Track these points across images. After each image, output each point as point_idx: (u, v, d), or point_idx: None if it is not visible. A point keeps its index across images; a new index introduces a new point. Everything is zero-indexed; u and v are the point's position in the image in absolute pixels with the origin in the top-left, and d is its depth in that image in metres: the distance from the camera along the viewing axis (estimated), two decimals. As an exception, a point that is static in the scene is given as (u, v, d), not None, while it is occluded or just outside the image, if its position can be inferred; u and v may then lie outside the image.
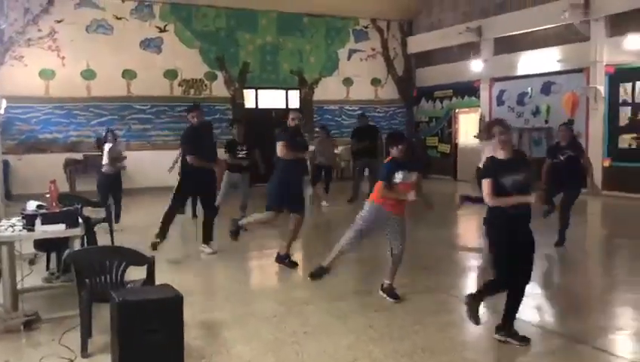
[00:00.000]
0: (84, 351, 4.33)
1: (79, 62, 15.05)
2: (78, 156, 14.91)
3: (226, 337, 4.77)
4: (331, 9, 17.72)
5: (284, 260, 7.02)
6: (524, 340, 4.45)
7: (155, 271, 4.53)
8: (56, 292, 6.08)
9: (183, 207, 8.51)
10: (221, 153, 9.55)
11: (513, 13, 15.28)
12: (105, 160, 9.92)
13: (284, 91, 17.83)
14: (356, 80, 18.61)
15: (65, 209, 5.43)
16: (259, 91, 17.48)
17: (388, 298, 5.61)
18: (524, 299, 4.59)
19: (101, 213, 8.17)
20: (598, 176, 13.63)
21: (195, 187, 7.91)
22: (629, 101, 12.96)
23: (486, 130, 8.53)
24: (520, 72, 15.50)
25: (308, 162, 9.03)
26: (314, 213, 11.56)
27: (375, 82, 19.02)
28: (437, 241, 8.66)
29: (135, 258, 4.36)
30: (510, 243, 4.39)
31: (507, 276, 4.44)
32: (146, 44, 15.83)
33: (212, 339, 4.75)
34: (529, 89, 15.27)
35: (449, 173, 17.32)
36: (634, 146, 12.90)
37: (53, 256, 6.72)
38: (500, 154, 4.47)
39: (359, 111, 18.72)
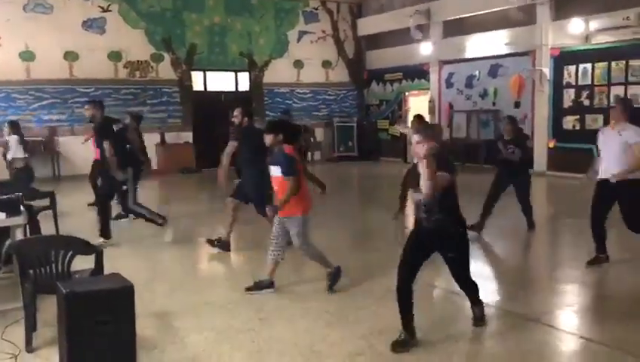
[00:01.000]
0: (29, 346, 4.14)
1: (17, 43, 14.34)
2: (18, 141, 14.26)
3: (178, 327, 4.65)
4: (280, -11, 17.54)
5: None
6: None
7: (103, 260, 4.36)
8: (-3, 285, 5.81)
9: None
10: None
11: (462, -5, 15.44)
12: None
13: (233, 73, 17.54)
14: (307, 62, 18.46)
15: (5, 197, 5.15)
16: (207, 73, 17.14)
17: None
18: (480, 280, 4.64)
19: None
20: (543, 156, 14.05)
21: None
22: (573, 83, 13.31)
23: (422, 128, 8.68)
24: (468, 54, 15.69)
25: None
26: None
27: (326, 65, 18.93)
28: (389, 223, 8.69)
29: (82, 247, 4.17)
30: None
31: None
32: (89, 24, 15.23)
33: (164, 329, 4.62)
34: (477, 72, 15.49)
35: (400, 156, 17.45)
36: (577, 128, 13.27)
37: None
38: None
39: (310, 94, 18.71)
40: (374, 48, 19.06)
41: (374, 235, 8.33)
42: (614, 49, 12.38)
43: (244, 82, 17.76)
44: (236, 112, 7.14)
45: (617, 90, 12.34)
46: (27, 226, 5.98)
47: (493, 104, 15.10)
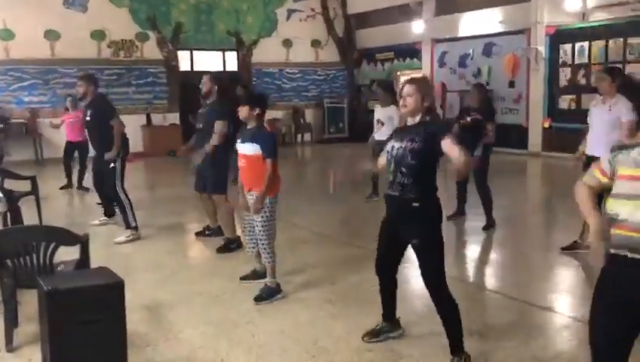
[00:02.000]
0: (10, 344, 3.82)
1: (-5, 22, 13.81)
2: (-4, 123, 13.80)
3: (171, 320, 4.35)
4: (268, -35, 17.04)
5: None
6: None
7: (89, 251, 4.03)
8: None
9: None
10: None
11: (455, -28, 15.08)
12: None
13: (220, 53, 17.09)
14: (296, 41, 18.04)
15: (-19, 183, 4.80)
16: (194, 53, 16.68)
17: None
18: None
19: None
20: (538, 137, 13.83)
21: None
22: (569, 62, 13.06)
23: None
24: (462, 33, 15.36)
25: None
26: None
27: (315, 44, 18.52)
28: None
29: (65, 237, 3.84)
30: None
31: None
32: (70, 2, 14.70)
33: (156, 324, 4.32)
34: (470, 50, 15.18)
35: (391, 137, 17.09)
36: (573, 107, 13.05)
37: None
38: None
39: (299, 74, 18.30)
40: (365, 27, 18.65)
41: (372, 220, 8.05)
42: (612, 26, 12.11)
43: (232, 62, 17.33)
44: (205, 79, 6.39)
45: (615, 69, 12.10)
46: (7, 214, 5.66)
47: (487, 83, 14.67)
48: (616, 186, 2.41)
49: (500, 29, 14.35)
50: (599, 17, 12.35)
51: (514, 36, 14.04)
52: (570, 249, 5.85)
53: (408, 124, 3.55)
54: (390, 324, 3.88)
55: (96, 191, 7.56)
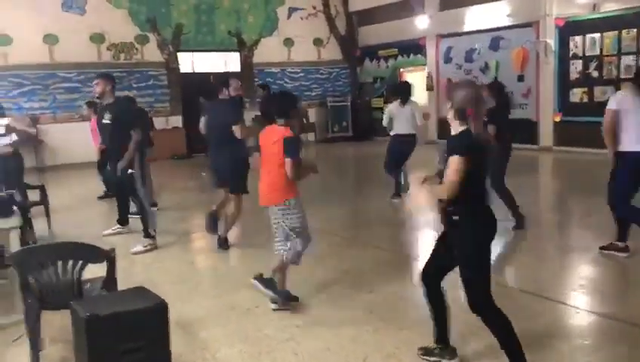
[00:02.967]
0: (36, 371, 3.54)
1: (-8, 27, 13.46)
2: (-1, 131, 13.45)
3: (204, 338, 4.07)
4: (268, -36, 16.75)
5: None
6: None
7: (116, 268, 3.75)
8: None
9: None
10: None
11: (459, -35, 14.83)
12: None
13: (222, 54, 16.78)
14: (297, 40, 17.75)
15: (-5, 196, 4.51)
16: (195, 54, 16.36)
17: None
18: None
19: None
20: (549, 131, 13.59)
21: None
22: (580, 54, 12.80)
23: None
24: (467, 27, 15.10)
25: None
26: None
27: (317, 42, 18.24)
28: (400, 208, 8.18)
29: (93, 254, 3.55)
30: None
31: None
32: (68, 5, 14.36)
33: (190, 343, 4.02)
34: (477, 45, 14.92)
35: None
36: (585, 100, 12.80)
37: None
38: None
39: (301, 73, 18.02)
40: (367, 24, 18.36)
41: (393, 221, 7.78)
42: (624, 17, 11.86)
43: (233, 63, 17.01)
44: (237, 83, 6.36)
45: (628, 61, 11.87)
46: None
47: (495, 78, 14.51)
48: None
49: (507, 22, 14.09)
50: (611, 8, 12.10)
51: (522, 29, 13.78)
52: (609, 249, 5.60)
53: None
54: (444, 348, 3.53)
55: (116, 197, 7.30)
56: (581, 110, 12.75)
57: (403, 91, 8.52)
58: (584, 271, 5.38)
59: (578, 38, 12.77)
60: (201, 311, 4.54)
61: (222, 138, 5.96)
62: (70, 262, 3.45)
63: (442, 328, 3.53)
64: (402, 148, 8.36)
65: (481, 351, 3.62)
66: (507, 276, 5.31)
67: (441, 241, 3.42)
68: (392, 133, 8.41)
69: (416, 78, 16.75)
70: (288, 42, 17.65)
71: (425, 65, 16.49)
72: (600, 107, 5.47)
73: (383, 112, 8.93)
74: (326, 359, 3.66)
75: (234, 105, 6.16)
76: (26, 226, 6.05)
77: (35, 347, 3.60)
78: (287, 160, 4.21)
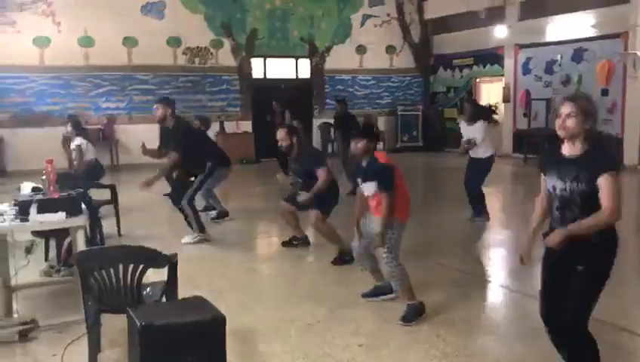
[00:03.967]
0: (93, 372, 3.49)
1: (76, 29, 13.99)
2: (77, 130, 13.95)
3: (263, 352, 3.92)
4: (344, -29, 16.66)
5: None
6: None
7: (177, 273, 3.66)
8: (56, 289, 5.26)
9: None
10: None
11: (542, -26, 14.25)
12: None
13: (293, 60, 16.81)
14: (370, 48, 17.56)
15: (65, 194, 4.53)
16: (267, 60, 16.45)
17: None
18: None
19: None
20: (634, 149, 12.79)
21: None
22: (672, 68, 12.01)
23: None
24: (549, 38, 14.48)
25: None
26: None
27: (390, 50, 17.98)
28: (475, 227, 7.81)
29: (155, 259, 3.47)
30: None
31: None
32: (148, 8, 14.75)
33: (248, 357, 3.88)
34: (558, 56, 14.27)
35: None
36: (676, 117, 11.98)
37: (53, 243, 5.91)
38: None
39: (373, 81, 17.80)
40: (442, 32, 17.96)
41: (465, 239, 7.43)
42: None
43: (304, 69, 17.01)
44: (281, 135, 6.23)
45: None
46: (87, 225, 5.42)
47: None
48: None
49: (592, 33, 13.41)
50: None
51: (609, 41, 13.06)
52: None
53: (566, 154, 3.02)
54: None
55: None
56: (671, 128, 11.93)
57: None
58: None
59: (671, 51, 11.98)
60: (261, 323, 4.40)
61: None
62: (131, 266, 3.38)
63: None
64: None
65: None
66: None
67: (554, 273, 3.11)
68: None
69: (493, 89, 16.26)
70: (361, 49, 17.50)
71: (502, 75, 15.93)
72: None
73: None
74: (389, 384, 3.43)
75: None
76: (95, 225, 6.15)
77: (93, 348, 3.55)
78: None
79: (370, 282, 4.89)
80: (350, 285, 5.19)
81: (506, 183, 11.89)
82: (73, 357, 3.79)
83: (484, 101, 15.52)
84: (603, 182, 2.84)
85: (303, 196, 5.95)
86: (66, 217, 4.29)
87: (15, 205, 4.38)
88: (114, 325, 4.02)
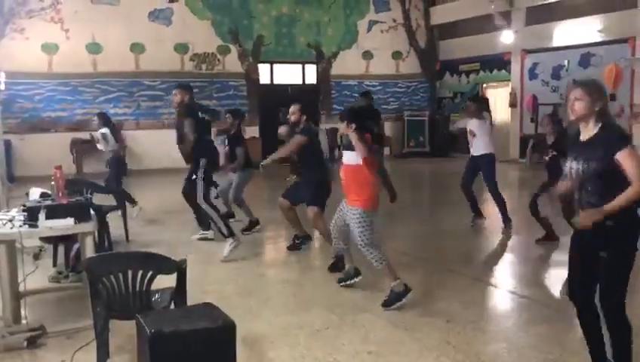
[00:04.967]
0: (102, 379, 3.48)
1: (84, 35, 14.07)
2: (85, 135, 13.98)
3: (273, 359, 3.89)
4: (350, -23, 16.70)
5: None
6: None
7: (186, 279, 3.65)
8: (65, 295, 5.24)
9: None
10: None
11: (549, -21, 14.22)
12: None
13: (300, 66, 16.83)
14: (376, 53, 17.57)
15: (74, 200, 4.54)
16: (274, 66, 16.47)
17: None
18: None
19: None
20: (642, 154, 12.70)
21: None
22: (681, 73, 11.95)
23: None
24: (555, 43, 14.45)
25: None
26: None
27: (396, 56, 17.98)
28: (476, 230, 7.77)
29: (164, 265, 3.47)
30: None
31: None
32: (155, 15, 14.82)
33: (257, 362, 3.88)
34: (565, 61, 14.23)
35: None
36: (686, 122, 11.92)
37: (62, 248, 5.91)
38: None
39: (379, 87, 17.78)
40: (448, 37, 17.95)
41: (470, 243, 7.40)
42: None
43: (311, 74, 17.03)
44: (293, 109, 6.46)
45: None
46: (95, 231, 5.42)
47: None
48: None
49: (599, 38, 13.37)
50: None
51: (616, 45, 13.01)
52: None
53: (583, 138, 3.16)
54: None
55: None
56: (680, 133, 11.87)
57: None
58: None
59: (679, 56, 11.93)
60: (270, 329, 4.38)
61: None
62: (140, 272, 3.37)
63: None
64: None
65: None
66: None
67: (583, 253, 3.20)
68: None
69: (499, 94, 16.22)
70: (367, 55, 17.51)
71: (509, 80, 15.90)
72: None
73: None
74: (399, 392, 3.41)
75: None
76: (103, 231, 6.16)
77: (102, 354, 3.55)
78: None
79: (378, 286, 4.86)
80: (359, 291, 5.17)
81: (512, 188, 11.82)
82: (82, 363, 3.79)
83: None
84: (623, 158, 2.93)
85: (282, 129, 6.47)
86: (75, 223, 4.29)
87: (24, 211, 4.39)
88: (122, 331, 4.02)
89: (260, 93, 16.06)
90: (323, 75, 17.05)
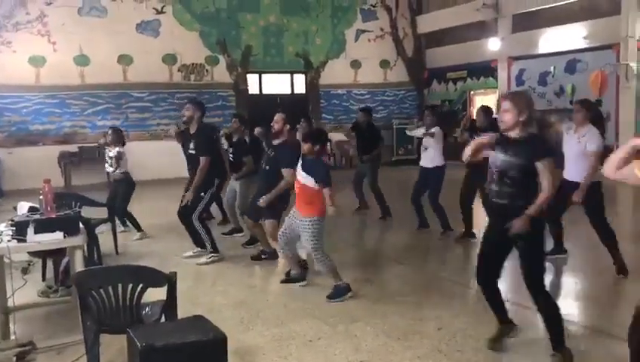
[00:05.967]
0: (93, 395, 3.45)
1: (71, 48, 14.03)
2: (73, 148, 13.96)
3: (266, 370, 3.89)
4: (337, -14, 16.80)
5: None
6: None
7: (176, 292, 3.64)
8: (54, 310, 5.22)
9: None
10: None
11: (533, -14, 14.38)
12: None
13: (289, 75, 16.88)
14: (364, 62, 17.66)
15: (63, 214, 4.51)
16: (263, 76, 16.51)
17: None
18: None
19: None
20: (629, 159, 12.82)
21: None
22: (665, 78, 12.10)
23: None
24: (542, 50, 14.61)
25: None
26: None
27: (384, 64, 18.09)
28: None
29: (154, 278, 3.45)
30: None
31: None
32: (143, 27, 14.81)
33: (249, 374, 3.87)
34: (552, 68, 14.37)
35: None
36: (670, 127, 12.06)
37: (51, 263, 5.87)
38: None
39: (368, 96, 17.85)
40: (435, 46, 18.08)
41: (465, 254, 7.43)
42: None
43: (300, 84, 17.08)
44: (277, 118, 6.38)
45: None
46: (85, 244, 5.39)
47: (571, 102, 13.90)
48: None
49: (584, 44, 13.53)
50: (700, 29, 11.39)
51: (601, 52, 13.17)
52: None
53: (512, 136, 3.69)
54: (507, 327, 4.06)
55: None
56: (666, 137, 11.97)
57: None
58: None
59: (663, 61, 12.08)
60: (262, 340, 4.37)
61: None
62: (130, 286, 3.36)
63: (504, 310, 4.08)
64: None
65: None
66: (593, 318, 4.90)
67: (497, 239, 3.80)
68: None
69: (487, 101, 16.31)
70: (355, 64, 17.59)
71: (496, 87, 16.03)
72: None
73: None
74: (392, 401, 3.41)
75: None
76: (92, 245, 6.12)
77: (93, 371, 3.52)
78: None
79: (369, 295, 4.87)
80: (351, 301, 5.17)
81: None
82: (72, 379, 3.76)
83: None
84: (541, 167, 3.54)
85: (263, 199, 6.13)
86: (64, 237, 4.27)
87: (12, 225, 4.36)
88: (113, 345, 4.00)
89: (249, 104, 16.06)
90: (312, 84, 17.11)
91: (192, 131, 6.64)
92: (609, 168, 2.77)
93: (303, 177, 5.24)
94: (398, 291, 5.48)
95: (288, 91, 16.89)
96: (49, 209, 4.48)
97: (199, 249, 6.92)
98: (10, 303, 4.78)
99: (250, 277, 6.34)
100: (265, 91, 16.53)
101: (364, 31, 17.59)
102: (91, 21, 14.17)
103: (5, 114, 13.60)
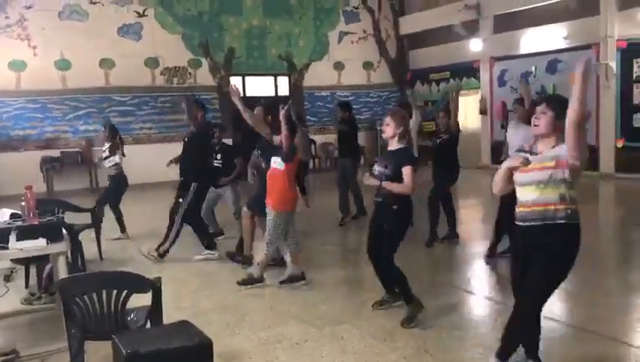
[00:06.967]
0: (78, 404, 3.42)
1: (52, 52, 13.87)
2: (55, 153, 13.82)
3: (252, 374, 3.89)
4: (319, -12, 16.82)
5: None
6: None
7: (162, 297, 3.62)
8: (38, 317, 5.16)
9: None
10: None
11: (515, -13, 14.50)
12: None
13: (272, 77, 16.87)
14: (347, 64, 17.70)
15: (45, 220, 4.48)
16: (246, 78, 16.46)
17: None
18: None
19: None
20: (609, 157, 12.99)
21: None
22: (644, 77, 12.27)
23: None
24: (523, 50, 14.74)
25: None
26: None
27: (367, 66, 18.13)
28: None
29: (138, 284, 3.44)
30: None
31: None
32: (124, 30, 14.70)
33: (236, 378, 3.86)
34: (533, 68, 14.50)
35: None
36: (650, 125, 12.23)
37: (34, 270, 5.81)
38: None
39: (351, 97, 17.87)
40: (418, 47, 18.17)
41: (446, 256, 7.48)
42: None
43: (283, 86, 17.06)
44: (257, 110, 6.77)
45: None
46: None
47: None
48: None
49: (565, 44, 13.68)
50: (678, 29, 11.57)
51: (581, 52, 13.28)
52: None
53: (388, 148, 4.61)
54: (392, 295, 4.86)
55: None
56: (646, 136, 12.17)
57: None
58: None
59: (642, 60, 12.25)
60: (248, 344, 4.36)
61: None
62: (114, 292, 3.34)
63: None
64: None
65: None
66: (567, 313, 4.95)
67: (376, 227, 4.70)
68: None
69: (469, 102, 16.44)
70: (338, 65, 17.62)
71: (478, 88, 16.14)
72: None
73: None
74: (379, 402, 3.42)
75: None
76: (76, 251, 6.07)
77: (78, 378, 3.49)
78: None
79: (354, 298, 4.88)
80: (337, 302, 5.19)
81: (484, 196, 11.92)
82: (57, 387, 3.73)
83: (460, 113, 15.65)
84: (405, 171, 4.40)
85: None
86: (47, 243, 4.24)
87: (-6, 233, 4.31)
88: (98, 352, 3.97)
89: (233, 106, 15.96)
90: (295, 86, 17.10)
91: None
92: (495, 190, 3.54)
93: (273, 162, 5.56)
94: (381, 293, 5.48)
95: (272, 93, 16.87)
96: (31, 215, 4.46)
97: (208, 251, 7.02)
98: (-8, 311, 4.75)
99: (231, 278, 6.29)
100: (248, 93, 16.44)
101: (347, 33, 17.62)
102: (72, 25, 14.03)
103: (-15, 119, 13.43)
